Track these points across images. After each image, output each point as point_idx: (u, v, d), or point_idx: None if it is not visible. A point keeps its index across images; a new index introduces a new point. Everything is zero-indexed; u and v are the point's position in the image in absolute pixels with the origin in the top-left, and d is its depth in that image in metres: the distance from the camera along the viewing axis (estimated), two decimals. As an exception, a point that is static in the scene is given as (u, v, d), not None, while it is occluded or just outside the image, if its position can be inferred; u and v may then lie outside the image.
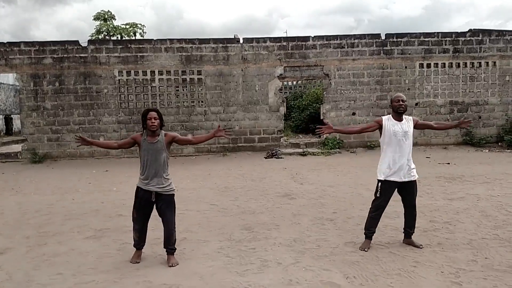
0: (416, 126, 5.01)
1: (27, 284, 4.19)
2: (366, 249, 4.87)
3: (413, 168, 4.92)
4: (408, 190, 4.91)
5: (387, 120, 4.93)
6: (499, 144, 15.16)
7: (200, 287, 4.01)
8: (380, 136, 4.99)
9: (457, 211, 6.51)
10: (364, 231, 5.07)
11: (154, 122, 4.45)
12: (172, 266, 4.53)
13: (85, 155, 14.76)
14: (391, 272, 4.24)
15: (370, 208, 5.06)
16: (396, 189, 4.93)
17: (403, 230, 5.12)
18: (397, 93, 5.42)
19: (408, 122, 4.93)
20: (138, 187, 4.64)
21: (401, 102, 4.84)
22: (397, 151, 4.83)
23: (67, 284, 4.16)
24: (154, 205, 4.61)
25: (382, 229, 5.61)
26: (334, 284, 3.99)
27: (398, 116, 4.90)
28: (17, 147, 16.56)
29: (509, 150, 14.07)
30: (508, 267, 4.28)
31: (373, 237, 5.04)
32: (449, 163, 11.51)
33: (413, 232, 5.05)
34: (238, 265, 4.55)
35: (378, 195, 4.94)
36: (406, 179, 4.84)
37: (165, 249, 4.70)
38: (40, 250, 5.23)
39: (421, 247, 4.89)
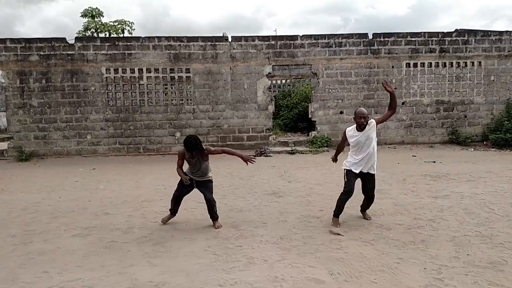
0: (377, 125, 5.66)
1: (12, 283, 4.17)
2: (338, 225, 5.68)
3: (373, 165, 5.70)
4: (369, 179, 5.76)
5: (351, 131, 5.68)
6: (484, 143, 15.39)
7: (187, 284, 4.04)
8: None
9: (441, 208, 6.62)
10: (334, 212, 5.84)
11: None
12: (218, 228, 5.82)
13: (72, 153, 14.66)
14: (375, 269, 4.30)
15: (341, 193, 5.78)
16: (358, 178, 5.76)
17: (360, 206, 6.16)
18: (359, 107, 5.80)
19: (370, 128, 5.53)
20: (186, 173, 6.00)
21: (362, 120, 5.45)
22: (361, 152, 5.61)
23: (53, 282, 4.15)
24: (195, 189, 6.02)
25: (367, 226, 5.70)
26: (319, 281, 4.05)
27: (360, 128, 5.55)
28: (3, 145, 16.35)
29: (494, 149, 14.31)
30: (489, 263, 4.37)
31: (357, 234, 5.11)
32: (434, 162, 11.66)
33: (367, 208, 6.10)
34: (224, 262, 4.58)
35: (345, 179, 5.73)
36: (365, 171, 5.67)
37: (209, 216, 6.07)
38: (25, 248, 5.20)
39: (368, 219, 5.99)
